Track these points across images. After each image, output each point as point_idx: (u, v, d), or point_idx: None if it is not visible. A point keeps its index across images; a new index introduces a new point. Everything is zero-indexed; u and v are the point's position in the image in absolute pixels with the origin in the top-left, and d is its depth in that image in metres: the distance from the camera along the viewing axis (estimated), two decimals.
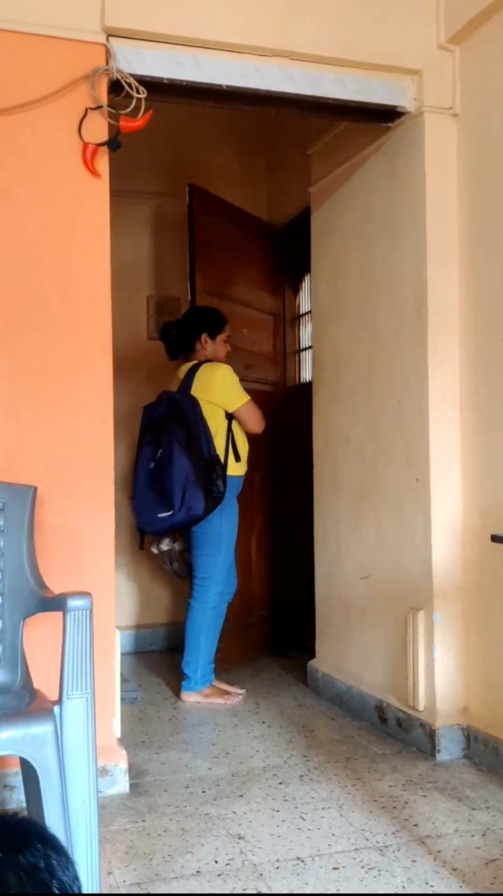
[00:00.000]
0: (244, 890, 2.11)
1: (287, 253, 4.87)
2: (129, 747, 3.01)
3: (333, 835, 2.41)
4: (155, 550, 3.92)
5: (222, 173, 4.87)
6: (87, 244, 2.76)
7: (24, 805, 2.34)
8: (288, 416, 4.65)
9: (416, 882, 2.13)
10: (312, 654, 3.96)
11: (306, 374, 4.80)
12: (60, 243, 2.74)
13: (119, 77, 2.74)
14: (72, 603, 2.05)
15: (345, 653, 3.62)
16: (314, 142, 3.90)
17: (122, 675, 2.96)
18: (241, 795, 2.71)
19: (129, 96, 2.75)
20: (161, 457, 3.54)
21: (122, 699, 3.04)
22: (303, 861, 2.26)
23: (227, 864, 2.24)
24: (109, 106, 2.75)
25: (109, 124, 2.76)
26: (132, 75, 2.76)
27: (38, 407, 2.71)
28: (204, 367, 3.72)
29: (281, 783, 2.80)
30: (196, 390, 3.66)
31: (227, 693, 3.75)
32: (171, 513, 3.50)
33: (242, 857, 2.28)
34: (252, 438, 3.86)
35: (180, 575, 4.09)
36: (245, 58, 2.89)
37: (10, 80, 2.68)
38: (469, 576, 3.02)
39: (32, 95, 2.68)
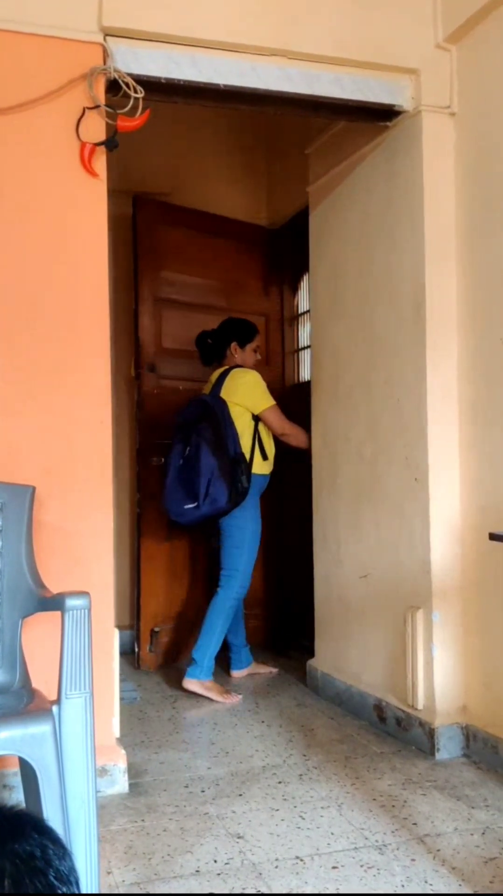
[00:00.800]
0: (243, 889, 2.11)
1: (285, 252, 4.87)
2: (129, 747, 3.01)
3: (332, 834, 2.41)
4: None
5: (220, 173, 4.89)
6: (84, 243, 2.76)
7: (24, 805, 2.34)
8: (287, 415, 4.63)
9: (415, 881, 2.13)
10: (311, 654, 3.96)
11: (305, 374, 4.80)
12: (58, 243, 2.74)
13: (116, 77, 2.74)
14: (70, 602, 2.05)
15: (345, 652, 3.62)
16: (312, 141, 3.90)
17: (121, 674, 2.96)
18: (241, 795, 2.71)
19: (127, 96, 2.75)
20: (189, 454, 3.77)
21: (122, 699, 3.04)
22: (302, 860, 2.26)
23: (227, 864, 2.24)
24: (107, 105, 2.75)
25: (107, 124, 2.76)
26: (130, 75, 2.76)
27: (36, 407, 2.71)
28: (233, 372, 3.97)
29: (280, 782, 2.80)
30: (225, 393, 3.90)
31: (227, 693, 3.78)
32: (195, 504, 3.72)
33: (242, 856, 2.28)
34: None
35: None
36: (242, 57, 2.89)
37: (7, 80, 2.68)
38: (468, 575, 3.02)
39: (30, 95, 2.68)
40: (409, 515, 3.15)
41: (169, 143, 4.64)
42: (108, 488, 2.79)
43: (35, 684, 2.29)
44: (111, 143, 2.75)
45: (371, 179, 3.43)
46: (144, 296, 4.33)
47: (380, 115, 3.19)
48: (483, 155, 2.96)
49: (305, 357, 4.82)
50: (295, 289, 4.97)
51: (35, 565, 2.38)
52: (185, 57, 2.84)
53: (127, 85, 2.75)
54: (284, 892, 2.10)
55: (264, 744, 3.19)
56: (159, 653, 4.33)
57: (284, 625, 4.66)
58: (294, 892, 2.10)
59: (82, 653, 2.03)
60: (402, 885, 2.11)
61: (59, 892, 0.84)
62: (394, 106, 3.11)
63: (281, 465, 4.15)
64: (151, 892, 2.11)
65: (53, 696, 2.06)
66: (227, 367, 4.03)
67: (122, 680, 3.03)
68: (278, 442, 4.05)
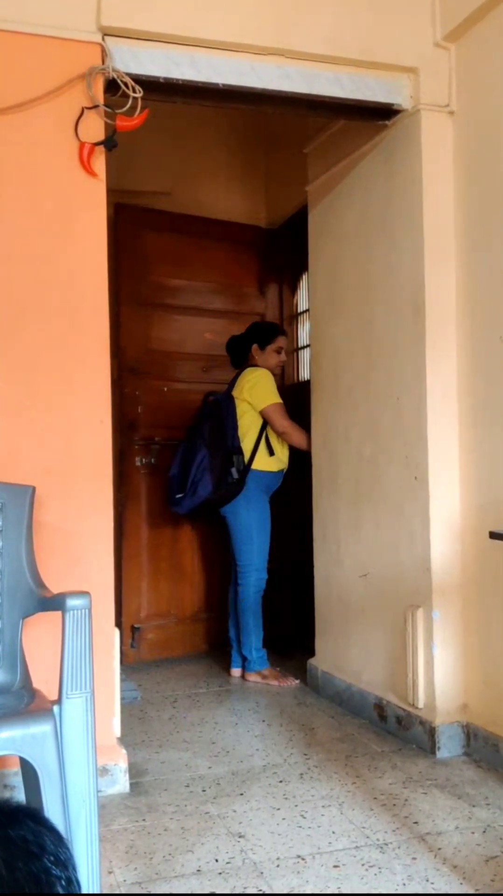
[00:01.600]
0: (244, 889, 2.11)
1: (284, 251, 4.88)
2: (129, 746, 3.01)
3: (333, 833, 2.41)
4: None
5: (219, 172, 4.89)
6: (84, 243, 2.76)
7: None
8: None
9: (417, 879, 2.13)
10: (312, 653, 3.96)
11: (305, 373, 4.80)
12: (57, 242, 2.74)
13: (115, 76, 2.74)
14: (70, 602, 2.05)
15: (345, 651, 3.62)
16: (311, 140, 3.90)
17: (121, 674, 2.97)
18: (242, 794, 2.71)
19: (126, 96, 2.75)
20: (187, 447, 4.03)
21: (122, 698, 3.04)
22: (303, 859, 2.26)
23: (228, 863, 2.24)
24: (106, 105, 2.75)
25: (106, 124, 2.76)
26: (128, 74, 2.76)
27: (36, 406, 2.71)
28: (245, 370, 4.15)
29: (281, 781, 2.80)
30: (235, 391, 4.10)
31: (285, 677, 4.02)
32: (182, 494, 3.97)
33: (243, 855, 2.28)
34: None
35: None
36: (241, 56, 2.89)
37: (6, 80, 2.68)
38: (468, 573, 3.03)
39: (29, 95, 2.68)
40: (409, 514, 3.15)
41: (168, 143, 4.64)
42: (108, 488, 2.79)
43: (35, 684, 2.29)
44: (110, 143, 2.75)
45: (370, 178, 3.43)
46: (125, 300, 4.42)
47: (379, 114, 3.19)
48: (482, 153, 2.96)
49: (305, 356, 4.82)
50: (294, 288, 4.98)
51: (35, 565, 2.38)
52: (184, 56, 2.84)
53: (125, 85, 2.75)
54: (285, 891, 2.10)
55: (265, 743, 3.19)
56: (144, 650, 4.39)
57: (284, 624, 4.68)
58: (295, 891, 2.10)
59: (83, 653, 2.03)
60: (403, 884, 2.12)
61: (54, 874, 0.84)
62: (392, 105, 3.11)
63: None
64: (153, 891, 2.11)
65: (54, 696, 2.06)
66: (246, 367, 4.18)
67: (122, 680, 3.03)
68: None
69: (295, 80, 2.96)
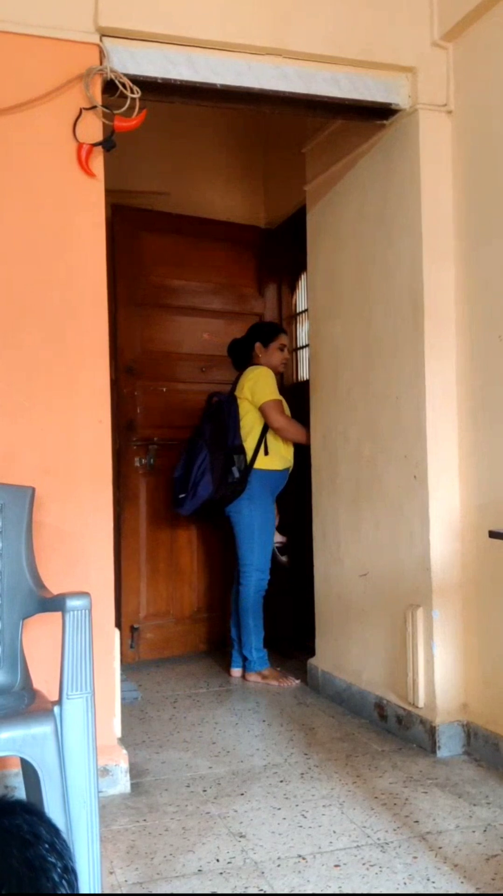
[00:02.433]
0: (245, 888, 2.11)
1: (282, 251, 4.88)
2: (130, 747, 3.01)
3: (334, 832, 2.41)
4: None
5: (217, 173, 4.89)
6: (83, 244, 2.76)
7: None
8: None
9: (417, 878, 2.14)
10: (312, 653, 3.97)
11: (304, 373, 4.80)
12: (56, 243, 2.74)
13: (113, 77, 2.74)
14: (70, 603, 2.05)
15: (345, 651, 3.62)
16: (309, 140, 3.90)
17: (121, 674, 2.97)
18: (242, 794, 2.71)
19: (124, 96, 2.75)
20: (191, 449, 4.04)
21: (122, 699, 3.04)
22: (304, 859, 2.26)
23: (229, 863, 2.24)
24: (104, 106, 2.75)
25: (104, 124, 2.76)
26: (126, 75, 2.76)
27: (35, 407, 2.71)
28: (247, 369, 4.15)
29: (281, 781, 2.80)
30: (237, 389, 4.12)
31: (285, 677, 4.01)
32: (184, 495, 3.97)
33: (244, 855, 2.28)
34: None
35: (285, 566, 4.50)
36: (239, 56, 2.89)
37: (3, 81, 2.68)
38: (467, 573, 3.03)
39: (26, 96, 2.68)
40: (409, 514, 3.15)
41: (166, 144, 4.64)
42: (108, 488, 2.79)
43: (36, 685, 2.29)
44: (108, 144, 2.75)
45: (368, 178, 3.43)
46: (123, 300, 4.43)
47: (377, 114, 3.19)
48: (480, 152, 2.96)
49: (304, 356, 4.82)
50: (293, 288, 4.98)
51: (35, 566, 2.38)
52: (182, 57, 2.84)
53: (123, 85, 2.75)
54: (286, 891, 2.10)
55: (265, 743, 3.19)
56: (143, 649, 4.40)
57: (285, 623, 4.68)
58: (296, 890, 2.10)
59: (83, 653, 2.03)
60: (404, 883, 2.12)
61: (50, 860, 0.84)
62: (390, 104, 3.11)
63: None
64: (154, 891, 2.11)
65: (54, 697, 2.06)
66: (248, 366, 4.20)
67: (122, 680, 3.03)
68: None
69: (292, 79, 2.96)
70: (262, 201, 5.00)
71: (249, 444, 4.04)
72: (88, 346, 2.77)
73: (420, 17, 3.07)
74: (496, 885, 2.09)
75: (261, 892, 2.09)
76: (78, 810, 1.99)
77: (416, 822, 2.47)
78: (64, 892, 0.83)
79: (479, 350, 2.96)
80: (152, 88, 2.83)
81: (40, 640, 2.47)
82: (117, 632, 2.82)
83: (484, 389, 2.94)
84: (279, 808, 2.59)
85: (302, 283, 4.81)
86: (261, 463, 4.04)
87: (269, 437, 4.07)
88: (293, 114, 3.26)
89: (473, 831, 2.39)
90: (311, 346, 3.98)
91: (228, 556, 4.68)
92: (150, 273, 4.53)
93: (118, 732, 2.82)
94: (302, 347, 4.88)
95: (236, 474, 3.96)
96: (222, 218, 4.79)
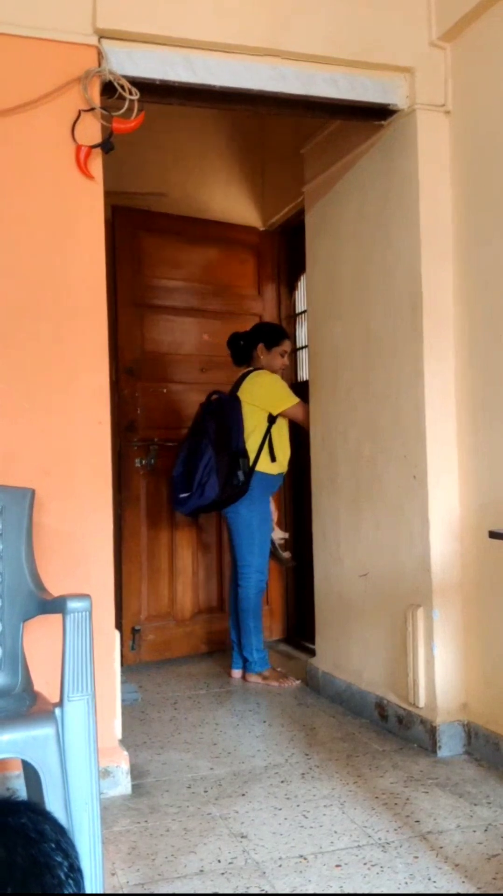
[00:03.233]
0: (247, 889, 2.11)
1: (281, 252, 4.90)
2: (131, 748, 3.01)
3: (335, 832, 2.42)
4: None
5: (217, 174, 4.89)
6: (81, 245, 2.77)
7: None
8: None
9: (419, 878, 2.14)
10: (312, 653, 3.97)
11: (304, 373, 4.81)
12: (55, 245, 2.74)
13: (111, 79, 2.74)
14: (71, 605, 2.05)
15: (345, 651, 3.62)
16: (307, 141, 3.90)
17: (122, 675, 2.97)
18: (243, 794, 2.71)
19: (122, 98, 2.76)
20: (192, 447, 3.99)
21: (123, 700, 3.04)
22: (305, 859, 2.26)
23: (230, 863, 2.24)
24: (102, 108, 2.75)
25: (102, 126, 2.76)
26: (124, 77, 2.76)
27: (35, 409, 2.71)
28: (254, 373, 4.14)
29: (282, 781, 2.81)
30: (242, 393, 4.08)
31: (285, 678, 4.01)
32: (188, 494, 3.93)
33: (245, 855, 2.29)
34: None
35: (284, 564, 4.59)
36: (236, 58, 2.90)
37: (1, 83, 2.68)
38: (467, 573, 3.03)
39: (25, 98, 2.68)
40: (408, 514, 3.16)
41: (165, 145, 4.64)
42: (108, 489, 2.80)
43: (37, 687, 2.29)
44: (107, 146, 2.76)
45: (367, 178, 3.43)
46: (123, 301, 4.43)
47: (375, 114, 3.19)
48: (479, 152, 2.96)
49: (304, 357, 4.82)
50: (292, 289, 4.98)
51: (35, 568, 2.38)
52: (179, 58, 2.84)
53: (122, 87, 2.75)
54: (288, 891, 2.10)
55: (266, 743, 3.20)
56: (144, 651, 4.41)
57: (287, 624, 4.69)
58: (297, 891, 2.10)
59: (84, 655, 2.04)
60: (405, 883, 2.12)
61: (55, 859, 0.83)
62: (388, 105, 3.11)
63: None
64: (155, 892, 2.11)
65: (55, 699, 2.06)
66: (251, 368, 4.18)
67: (122, 681, 3.04)
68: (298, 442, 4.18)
69: (290, 80, 2.96)
70: (261, 202, 5.00)
71: (251, 447, 4.02)
72: (88, 348, 2.77)
73: (417, 17, 3.07)
74: (497, 885, 2.09)
75: (263, 893, 2.09)
76: (79, 812, 1.99)
77: (417, 821, 2.47)
78: (70, 891, 0.83)
79: (479, 350, 2.96)
80: (150, 90, 2.83)
81: (41, 641, 2.47)
82: (117, 633, 2.82)
83: (483, 389, 2.94)
84: (280, 809, 2.59)
85: (301, 283, 4.81)
86: (262, 466, 4.04)
87: (276, 442, 4.06)
88: (291, 115, 3.27)
89: (474, 831, 2.40)
90: (311, 347, 3.98)
91: (229, 557, 4.69)
92: (149, 274, 4.54)
93: (119, 734, 2.83)
94: (301, 348, 4.88)
95: (241, 477, 3.95)
96: (221, 219, 4.80)
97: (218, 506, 4.03)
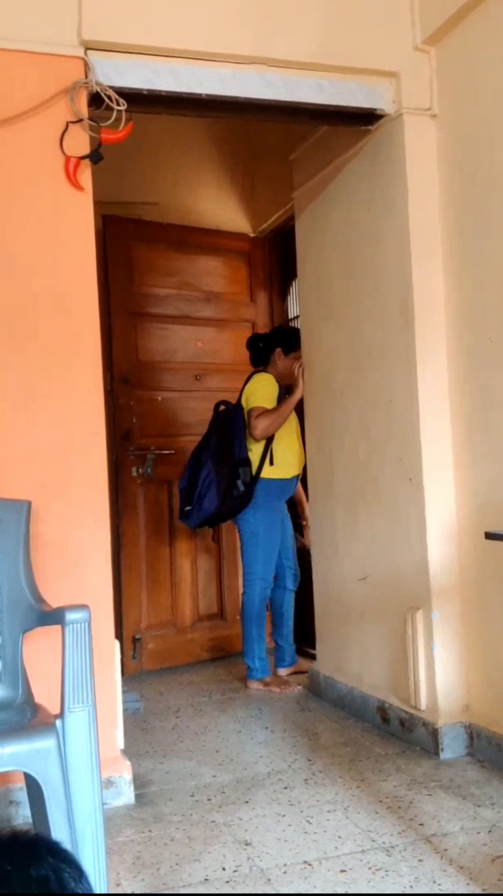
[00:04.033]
0: None
1: (273, 258, 4.93)
2: (133, 757, 3.01)
3: (339, 837, 2.41)
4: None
5: (206, 182, 4.91)
6: (73, 257, 2.77)
7: (31, 820, 2.35)
8: None
9: (424, 881, 2.14)
10: (313, 658, 3.97)
11: None
12: (46, 257, 2.74)
13: (98, 90, 2.75)
14: (70, 616, 2.05)
15: (346, 655, 3.62)
16: (296, 147, 3.92)
17: (123, 685, 2.97)
18: (247, 801, 2.71)
19: (110, 108, 2.76)
20: (195, 458, 4.03)
21: (125, 709, 3.04)
22: (310, 864, 2.26)
23: (235, 871, 2.24)
24: (90, 119, 2.76)
25: (91, 137, 2.77)
26: (111, 87, 2.77)
27: (29, 420, 2.71)
28: (254, 376, 4.13)
29: (286, 787, 2.80)
30: (243, 398, 4.10)
31: (286, 684, 4.01)
32: (190, 507, 3.96)
33: (250, 862, 2.28)
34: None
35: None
36: (222, 66, 2.91)
37: None
38: (465, 574, 3.03)
39: (12, 110, 2.69)
40: (405, 516, 3.16)
41: (154, 154, 4.65)
42: (105, 500, 2.80)
43: (38, 699, 2.29)
44: (95, 157, 2.76)
45: (355, 183, 3.44)
46: (116, 311, 4.44)
47: (362, 119, 3.20)
48: (466, 155, 2.98)
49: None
50: (284, 294, 4.99)
51: (33, 580, 2.38)
52: (166, 68, 2.85)
53: (109, 98, 2.76)
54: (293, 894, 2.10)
55: (268, 749, 3.20)
56: (145, 660, 4.41)
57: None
58: (303, 894, 2.10)
59: (84, 666, 2.04)
60: (411, 886, 2.12)
61: None
62: (375, 109, 3.13)
63: None
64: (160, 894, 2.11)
65: (56, 710, 2.06)
66: (257, 370, 4.18)
67: (124, 691, 3.03)
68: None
69: (276, 87, 2.97)
70: (251, 209, 5.01)
71: (255, 455, 4.01)
72: (82, 358, 2.77)
73: (401, 22, 3.08)
74: (502, 886, 2.09)
75: (265, 894, 2.09)
76: (83, 823, 1.99)
77: (421, 824, 2.47)
78: None
79: (471, 351, 2.97)
80: (137, 100, 2.84)
81: (41, 653, 2.47)
82: (117, 643, 2.82)
83: (476, 390, 2.95)
84: (284, 815, 2.59)
85: (293, 288, 4.83)
86: (268, 472, 4.03)
87: (276, 446, 4.05)
88: (278, 121, 3.29)
89: (478, 832, 2.40)
90: (304, 351, 3.99)
91: (228, 564, 4.70)
92: (142, 283, 4.55)
93: (121, 744, 2.82)
94: None
95: (241, 488, 3.94)
96: (212, 226, 4.81)
97: (224, 517, 4.03)
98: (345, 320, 3.56)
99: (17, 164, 2.72)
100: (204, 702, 3.86)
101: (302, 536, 4.44)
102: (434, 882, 2.13)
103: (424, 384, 3.07)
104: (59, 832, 1.93)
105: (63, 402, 2.75)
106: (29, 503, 2.43)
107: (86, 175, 2.78)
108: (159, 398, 4.56)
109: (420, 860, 2.25)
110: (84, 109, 2.76)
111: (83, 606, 2.08)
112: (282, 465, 4.07)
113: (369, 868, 2.22)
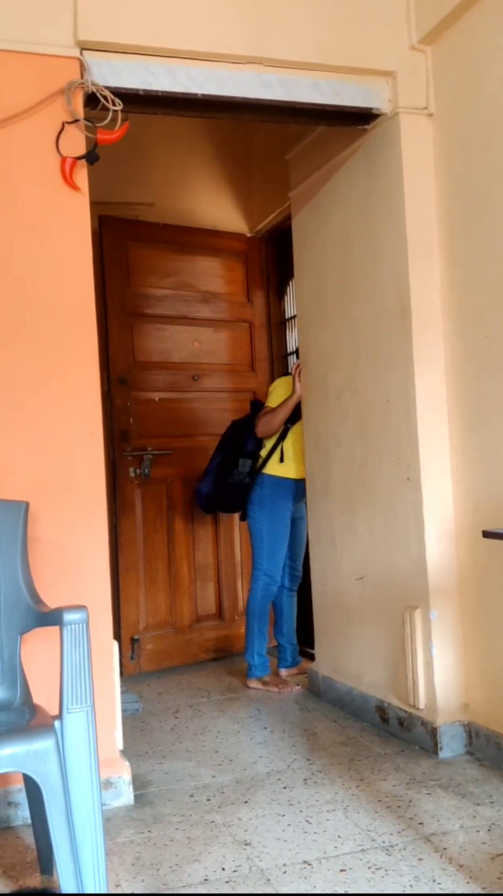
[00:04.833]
0: None
1: (270, 258, 4.93)
2: (132, 758, 3.01)
3: (339, 836, 2.41)
4: None
5: (203, 182, 4.91)
6: (69, 257, 2.77)
7: (30, 822, 2.35)
8: None
9: (424, 880, 2.14)
10: (312, 658, 3.97)
11: None
12: (43, 258, 2.74)
13: (94, 90, 2.75)
14: (68, 617, 2.05)
15: (345, 654, 3.62)
16: (292, 147, 3.92)
17: (122, 685, 2.96)
18: (246, 802, 2.71)
19: (105, 109, 2.76)
20: (214, 451, 4.28)
21: (123, 710, 3.04)
22: (310, 864, 2.26)
23: (235, 871, 2.24)
24: (86, 119, 2.76)
25: (87, 137, 2.76)
26: (107, 87, 2.76)
27: (26, 421, 2.71)
28: (277, 379, 4.34)
29: (285, 787, 2.80)
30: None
31: (285, 684, 4.02)
32: (195, 490, 4.33)
33: (249, 863, 2.28)
34: None
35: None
36: (219, 66, 2.90)
37: None
38: (464, 573, 3.03)
39: (8, 111, 2.68)
40: (403, 515, 3.16)
41: (150, 154, 4.65)
42: (102, 500, 2.79)
43: (36, 700, 2.29)
44: (91, 157, 2.76)
45: (352, 182, 3.44)
46: (113, 312, 4.44)
47: (359, 119, 3.20)
48: (462, 154, 2.98)
49: (294, 362, 4.83)
50: (281, 294, 5.00)
51: (31, 581, 2.38)
52: (162, 68, 2.85)
53: (105, 98, 2.76)
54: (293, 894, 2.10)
55: (267, 749, 3.19)
56: (143, 660, 4.40)
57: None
58: (302, 894, 2.10)
59: (82, 666, 2.03)
60: (411, 885, 2.12)
61: None
62: (371, 109, 3.13)
63: None
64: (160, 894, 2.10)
65: (55, 711, 2.06)
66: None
67: (122, 691, 3.03)
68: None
69: (273, 87, 2.97)
70: (248, 209, 5.02)
71: (266, 451, 4.15)
72: (79, 359, 2.77)
73: (397, 21, 3.08)
74: (502, 885, 2.09)
75: (267, 894, 2.09)
76: (82, 824, 1.99)
77: (421, 823, 2.47)
78: None
79: (468, 350, 2.97)
80: (134, 100, 2.84)
81: (39, 654, 2.47)
82: (116, 643, 2.82)
83: (474, 389, 2.95)
84: (283, 815, 2.59)
85: (290, 288, 4.83)
86: (276, 469, 4.11)
87: (288, 444, 4.11)
88: (275, 121, 3.28)
89: (478, 831, 2.40)
90: (301, 351, 3.99)
91: (226, 565, 4.70)
92: (139, 283, 4.55)
93: (120, 744, 2.82)
94: (291, 353, 4.90)
95: (236, 477, 4.12)
96: (209, 226, 4.81)
97: (225, 504, 4.21)
98: (342, 320, 3.56)
99: (13, 165, 2.71)
100: (203, 702, 3.86)
101: None
102: (434, 881, 2.13)
103: (422, 383, 3.07)
104: (58, 833, 1.93)
105: (61, 403, 2.74)
106: (27, 504, 2.43)
107: (82, 175, 2.78)
108: (156, 399, 4.56)
109: (420, 859, 2.25)
110: (80, 110, 2.76)
111: (81, 607, 2.08)
112: (293, 464, 4.10)
113: (369, 867, 2.22)
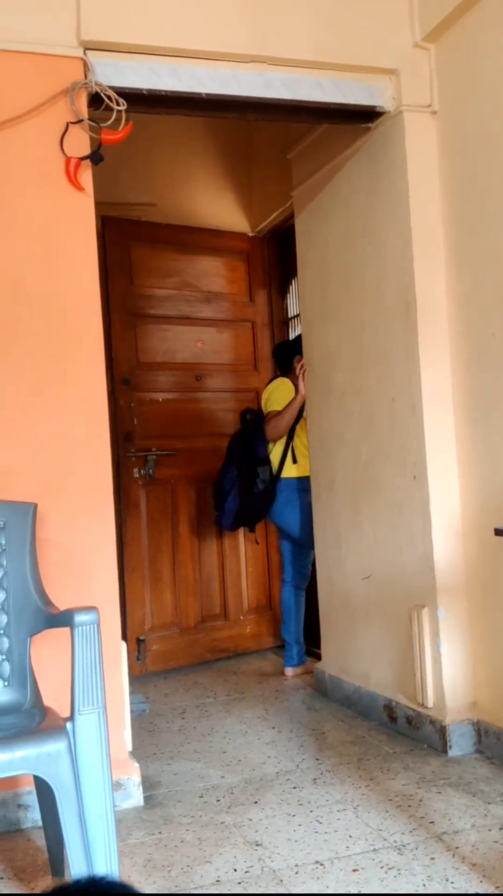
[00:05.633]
0: None
1: (272, 257, 4.92)
2: (141, 759, 3.00)
3: (350, 836, 2.41)
4: None
5: (205, 182, 4.90)
6: (74, 257, 2.76)
7: (41, 824, 2.34)
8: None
9: (436, 879, 2.13)
10: (318, 657, 3.96)
11: None
12: (48, 258, 2.73)
13: (98, 90, 2.74)
14: (79, 618, 2.04)
15: (352, 653, 3.62)
16: (294, 145, 3.91)
17: (129, 687, 2.96)
18: (256, 802, 2.70)
19: (109, 109, 2.76)
20: (222, 469, 4.28)
21: (131, 711, 3.03)
22: (322, 864, 2.25)
23: (247, 872, 2.23)
24: (90, 119, 2.75)
25: (91, 138, 2.76)
26: (111, 87, 2.76)
27: (33, 423, 2.70)
28: (272, 382, 4.32)
29: (295, 787, 2.80)
30: (262, 402, 4.34)
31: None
32: (220, 513, 4.24)
33: (261, 863, 2.28)
34: None
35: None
36: (223, 65, 2.90)
37: None
38: (471, 571, 3.03)
39: (12, 112, 2.68)
40: (409, 514, 3.15)
41: (153, 154, 4.65)
42: (109, 501, 2.79)
43: (46, 702, 2.28)
44: (96, 157, 2.75)
45: (355, 181, 3.44)
46: (116, 312, 4.44)
47: (362, 117, 3.20)
48: (466, 151, 2.97)
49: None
50: (284, 293, 4.99)
51: (40, 582, 2.38)
52: (166, 67, 2.84)
53: (109, 98, 2.75)
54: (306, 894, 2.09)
55: (276, 750, 3.19)
56: (149, 661, 4.40)
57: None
58: (315, 894, 2.09)
59: (93, 668, 2.03)
60: (424, 885, 2.11)
61: None
62: (375, 107, 3.12)
63: None
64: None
65: (65, 713, 2.05)
66: (276, 376, 4.38)
67: (130, 692, 3.02)
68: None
69: (276, 86, 2.96)
70: (250, 208, 5.01)
71: (275, 456, 4.18)
72: (84, 360, 2.77)
73: (401, 19, 3.08)
74: None
75: (278, 894, 2.08)
76: (95, 826, 1.98)
77: (432, 822, 2.46)
78: None
79: (473, 348, 2.97)
80: (138, 100, 2.83)
81: (48, 656, 2.46)
82: (124, 644, 2.81)
83: (479, 386, 2.95)
84: (294, 815, 2.58)
85: (292, 287, 4.82)
86: (292, 471, 4.17)
87: (297, 445, 4.15)
88: (278, 120, 3.29)
89: (489, 829, 2.39)
90: (305, 351, 3.98)
91: (231, 565, 4.69)
92: (141, 284, 4.54)
93: (129, 745, 2.81)
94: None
95: (260, 486, 4.14)
96: (211, 226, 4.81)
97: (254, 516, 4.21)
98: (346, 318, 3.55)
99: (18, 166, 2.71)
100: (209, 703, 3.85)
101: None
102: (447, 880, 2.13)
103: (427, 381, 3.06)
104: (71, 835, 1.93)
105: (66, 403, 2.74)
106: (35, 506, 2.43)
107: (86, 176, 2.77)
108: (160, 399, 4.56)
109: (432, 858, 2.24)
110: (84, 110, 2.76)
111: (92, 608, 2.07)
112: (307, 462, 4.09)
113: (381, 867, 2.21)
